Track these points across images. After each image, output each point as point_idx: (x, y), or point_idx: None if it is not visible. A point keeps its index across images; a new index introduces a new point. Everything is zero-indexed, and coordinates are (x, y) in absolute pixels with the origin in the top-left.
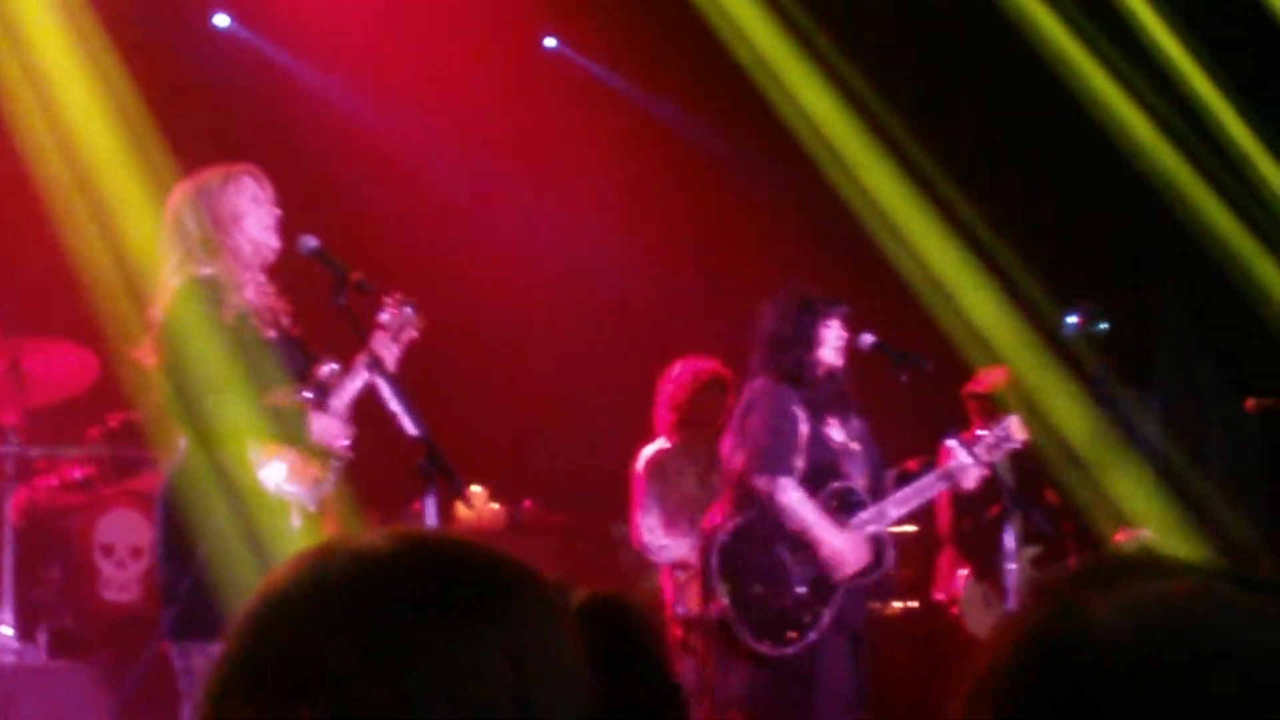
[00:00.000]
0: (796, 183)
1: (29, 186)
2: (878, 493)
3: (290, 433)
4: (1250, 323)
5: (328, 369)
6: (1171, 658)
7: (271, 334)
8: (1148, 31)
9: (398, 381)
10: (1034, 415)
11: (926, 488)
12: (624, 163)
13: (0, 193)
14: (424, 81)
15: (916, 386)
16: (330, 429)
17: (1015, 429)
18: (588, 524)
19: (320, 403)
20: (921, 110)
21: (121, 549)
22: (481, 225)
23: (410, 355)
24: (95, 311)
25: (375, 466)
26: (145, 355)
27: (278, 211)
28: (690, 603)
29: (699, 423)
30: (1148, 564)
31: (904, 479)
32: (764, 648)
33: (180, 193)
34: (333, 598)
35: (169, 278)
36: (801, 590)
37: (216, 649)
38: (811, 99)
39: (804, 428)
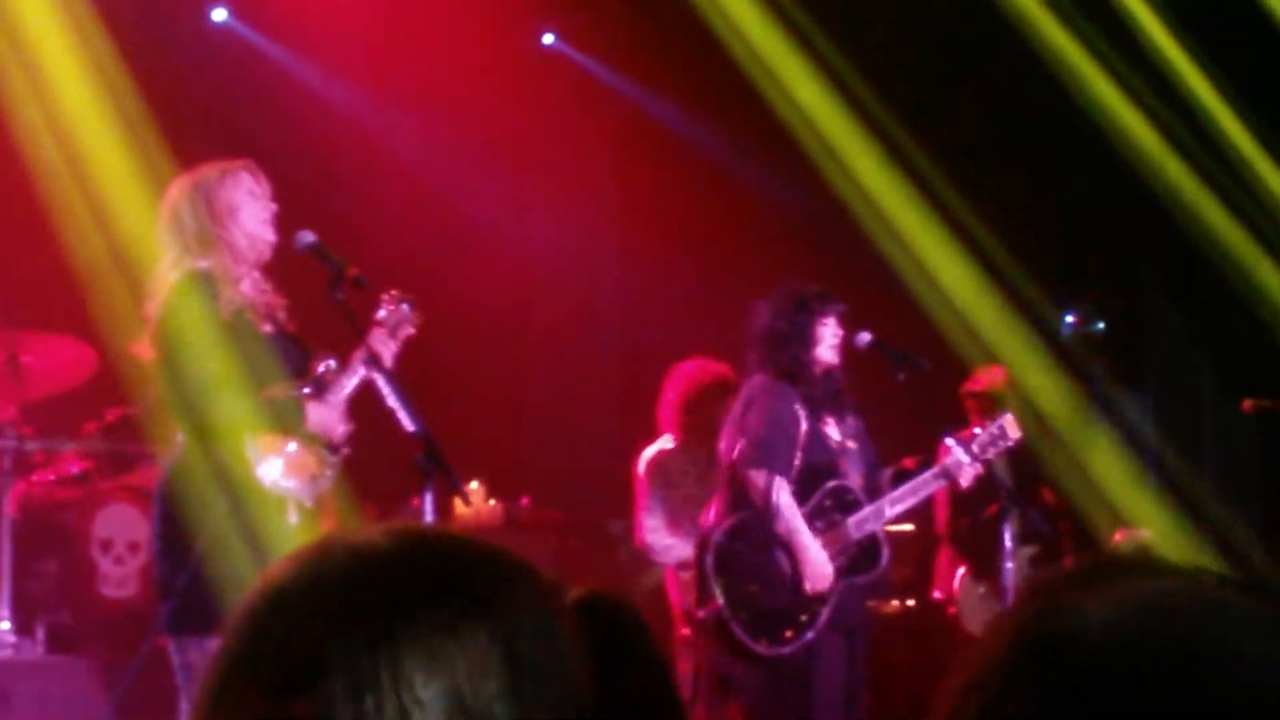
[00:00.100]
0: (794, 181)
1: (26, 181)
2: (874, 491)
3: (287, 423)
4: (1246, 324)
5: (325, 365)
6: (1161, 658)
7: (268, 329)
8: (1144, 31)
9: (395, 378)
10: (1030, 414)
11: (923, 486)
12: (622, 160)
13: None
14: (421, 77)
15: (913, 385)
16: (327, 419)
17: (1010, 428)
18: (585, 521)
19: (317, 398)
20: (919, 110)
21: (119, 544)
22: (479, 221)
23: (408, 351)
24: (93, 306)
25: (373, 462)
26: (143, 350)
27: (274, 206)
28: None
29: (703, 424)
30: (1139, 564)
31: (901, 478)
32: (760, 647)
33: (177, 187)
34: (331, 593)
35: (166, 272)
36: (798, 590)
37: (214, 644)
38: (809, 97)
39: (804, 426)
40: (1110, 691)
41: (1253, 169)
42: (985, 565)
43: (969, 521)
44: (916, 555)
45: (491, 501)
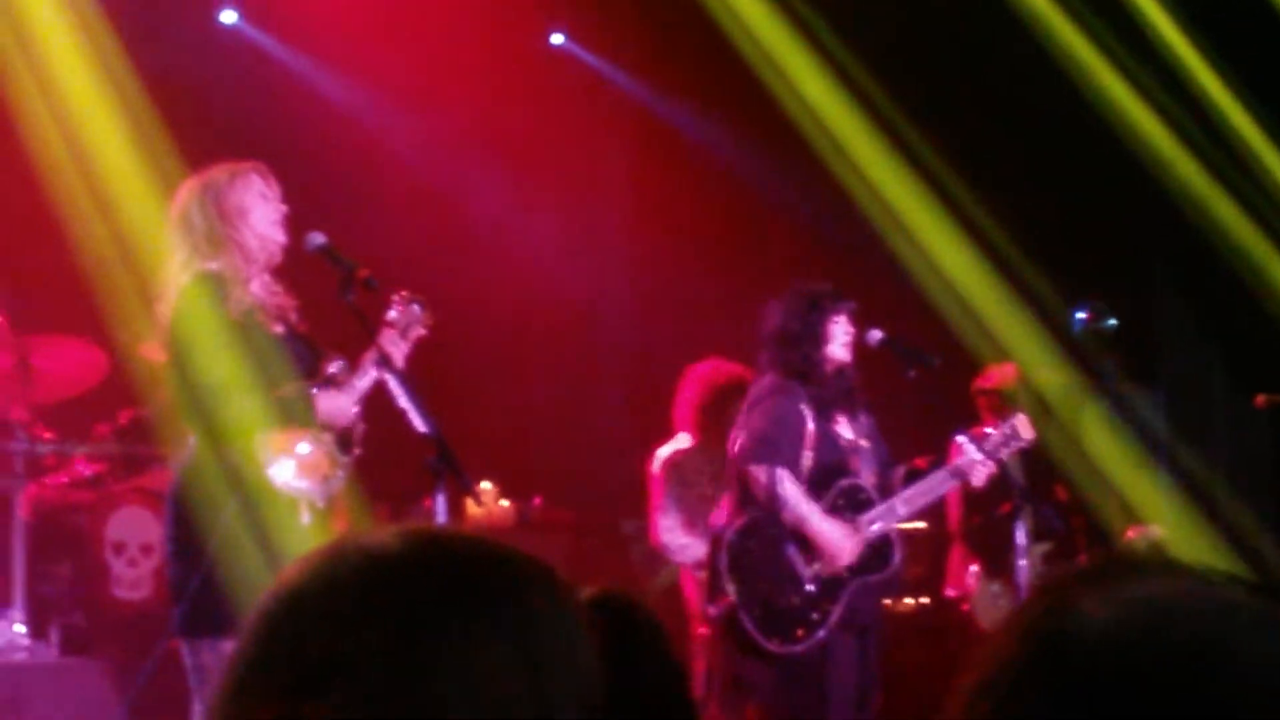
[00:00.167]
0: (804, 179)
1: (36, 185)
2: (886, 490)
3: (297, 419)
4: (1258, 319)
5: (336, 365)
6: (1163, 659)
7: (279, 330)
8: (1154, 27)
9: (407, 378)
10: (1041, 411)
11: (935, 485)
12: (632, 160)
13: (7, 191)
14: (430, 78)
15: (925, 383)
16: (337, 406)
17: (1023, 427)
18: (597, 521)
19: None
20: (929, 108)
21: (132, 546)
22: (489, 221)
23: (419, 352)
24: (103, 308)
25: (384, 463)
26: (153, 352)
27: (284, 208)
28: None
29: (720, 425)
30: (1147, 564)
31: (913, 477)
32: (773, 645)
33: (187, 189)
34: (345, 596)
35: (176, 274)
36: (810, 588)
37: (226, 646)
38: (818, 95)
39: (810, 426)
40: (1113, 692)
41: (1263, 164)
42: (998, 563)
43: (982, 519)
44: (929, 553)
45: (504, 502)
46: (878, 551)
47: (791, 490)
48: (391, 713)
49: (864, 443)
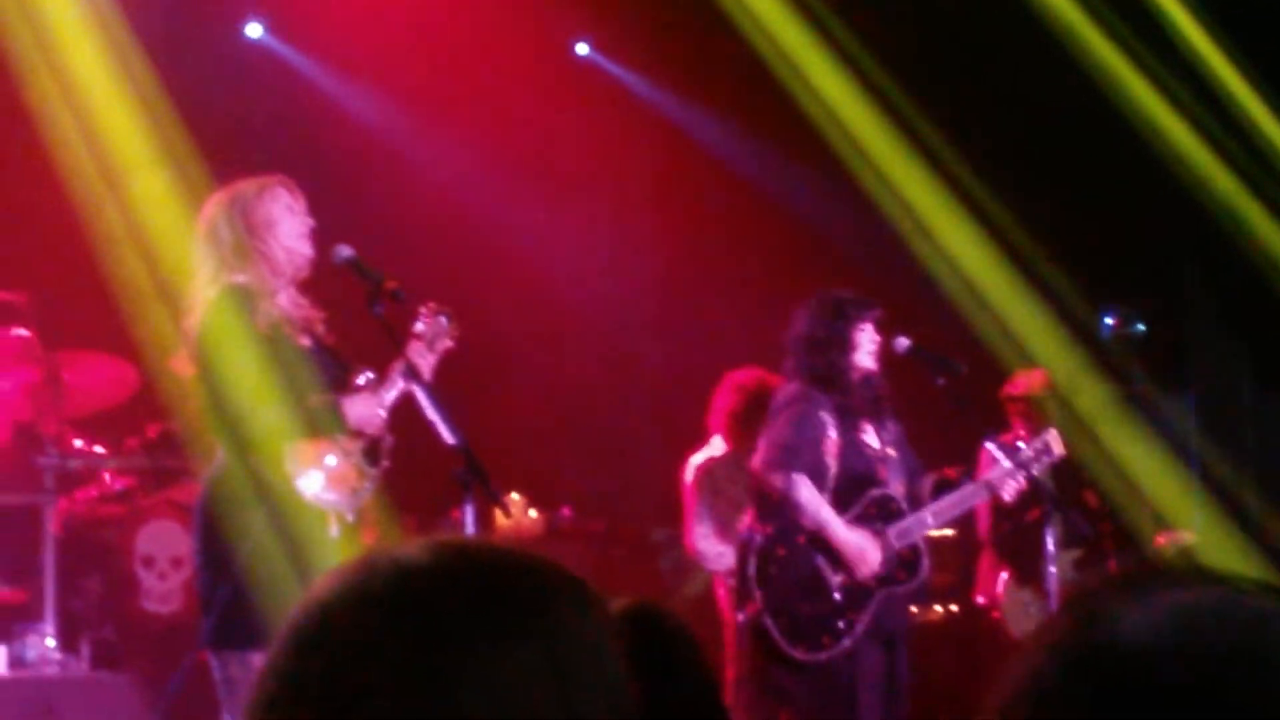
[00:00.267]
0: (831, 188)
1: (65, 200)
2: (914, 499)
3: (327, 427)
4: None
5: (364, 378)
6: (1199, 667)
7: (306, 342)
8: (1180, 31)
9: (435, 390)
10: (1070, 417)
11: (966, 497)
12: (659, 169)
13: (37, 207)
14: (455, 89)
15: (953, 390)
16: (365, 413)
17: (1054, 442)
18: (626, 531)
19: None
20: (955, 115)
21: (162, 560)
22: (516, 232)
23: (447, 363)
24: (132, 323)
25: (413, 475)
26: (181, 365)
27: (311, 221)
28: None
29: (755, 433)
30: (1177, 572)
31: (942, 487)
32: (799, 653)
33: (214, 203)
34: (375, 611)
35: (204, 288)
36: (837, 597)
37: (255, 658)
38: (845, 104)
39: (832, 434)
40: (1148, 702)
41: None
42: (1028, 570)
43: (1011, 526)
44: (959, 561)
45: (532, 512)
46: (906, 561)
47: (809, 496)
48: None
49: (891, 451)
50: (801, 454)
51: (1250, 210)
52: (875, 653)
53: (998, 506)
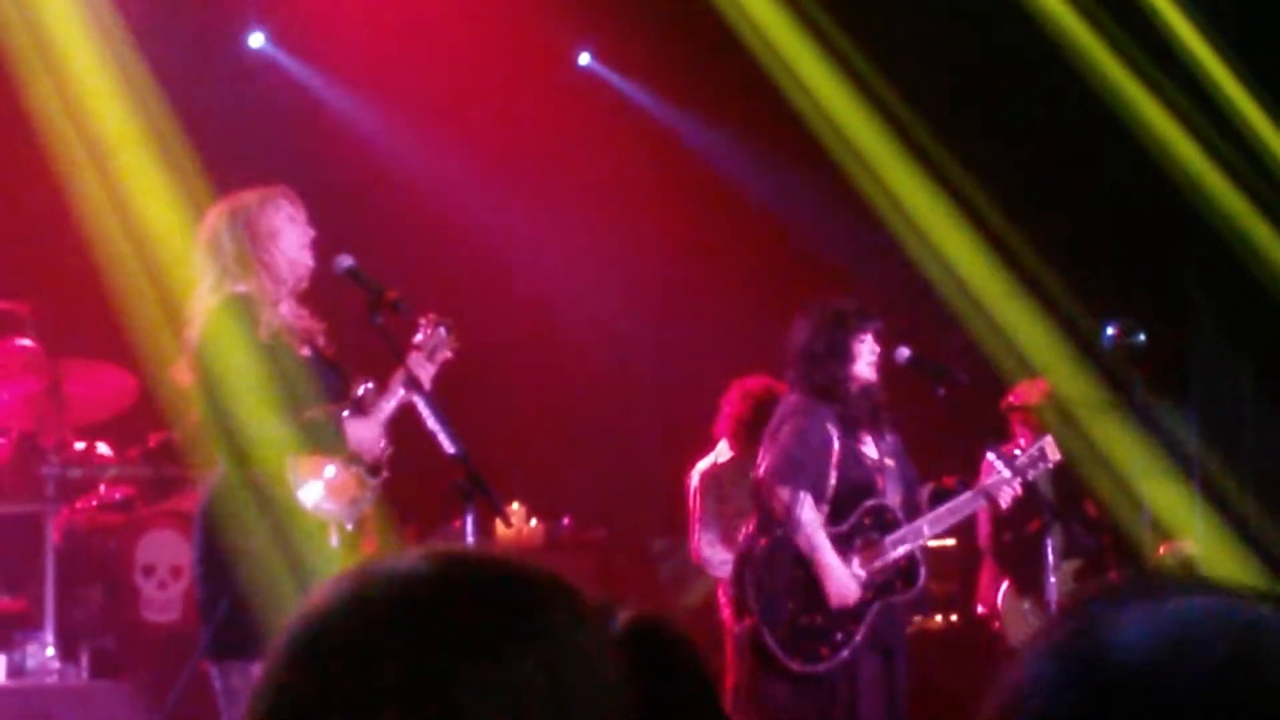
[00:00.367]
0: (832, 198)
1: (67, 211)
2: (912, 509)
3: (326, 445)
4: None
5: (364, 388)
6: (1195, 676)
7: (306, 353)
8: (1186, 44)
9: (435, 400)
10: (1071, 427)
11: (962, 506)
12: (659, 179)
13: (39, 217)
14: (457, 100)
15: (955, 400)
16: (366, 436)
17: (1050, 448)
18: (626, 541)
19: (357, 418)
20: (957, 126)
21: (162, 569)
22: (516, 241)
23: (448, 373)
24: (133, 333)
25: (413, 484)
26: (181, 374)
27: (312, 232)
28: None
29: (759, 440)
30: (1172, 581)
31: (940, 496)
32: (795, 664)
33: (216, 213)
34: (374, 622)
35: (205, 297)
36: (834, 607)
37: (256, 669)
38: (846, 115)
39: (836, 446)
40: (1141, 709)
41: None
42: (1029, 580)
43: (1012, 536)
44: (959, 570)
45: (533, 522)
46: (904, 571)
47: (809, 517)
48: None
49: (889, 461)
50: (806, 466)
51: (1252, 220)
52: (874, 663)
53: (998, 516)
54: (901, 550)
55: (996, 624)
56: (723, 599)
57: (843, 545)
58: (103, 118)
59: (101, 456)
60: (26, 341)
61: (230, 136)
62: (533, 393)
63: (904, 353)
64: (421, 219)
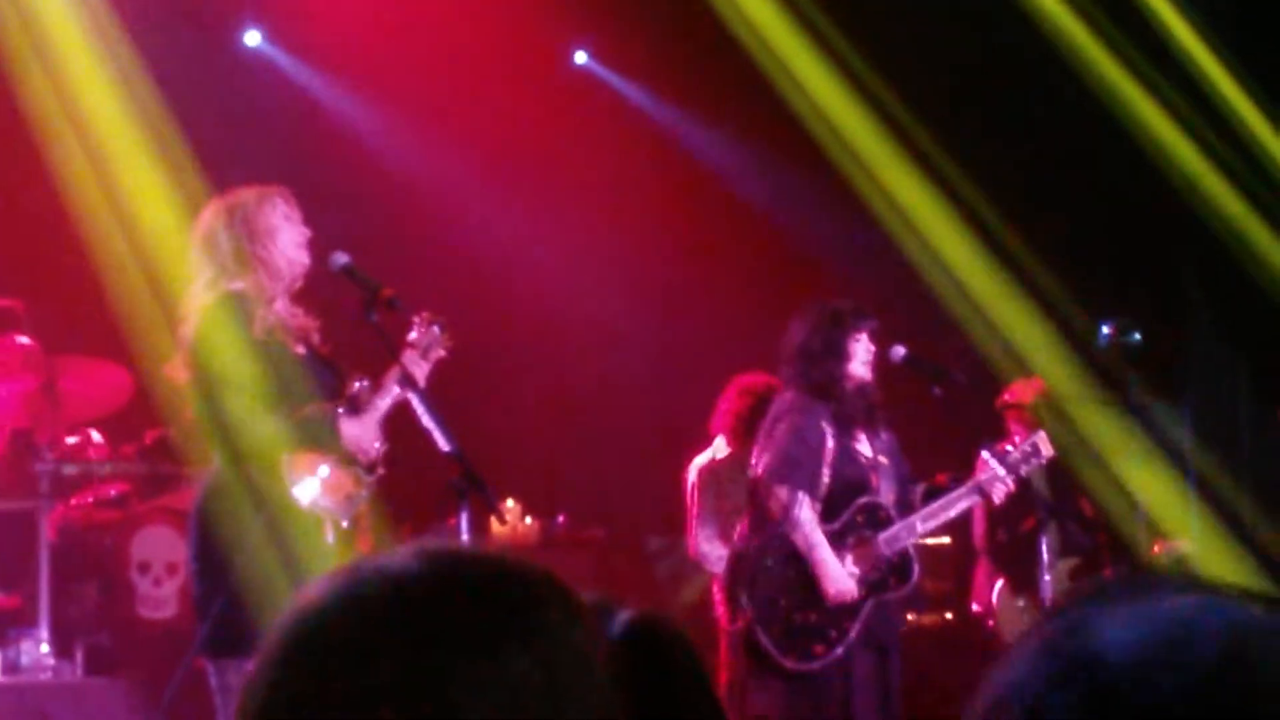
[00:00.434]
0: (829, 198)
1: (63, 208)
2: (905, 507)
3: (321, 442)
4: None
5: (359, 385)
6: (1185, 676)
7: (301, 351)
8: (1184, 45)
9: (430, 397)
10: (1067, 426)
11: (955, 502)
12: (655, 178)
13: (35, 215)
14: (453, 98)
15: (951, 399)
16: (362, 435)
17: (1043, 445)
18: (622, 538)
19: (352, 416)
20: (954, 127)
21: (157, 566)
22: (512, 240)
23: (443, 371)
24: (129, 330)
25: (409, 482)
26: (176, 371)
27: (309, 231)
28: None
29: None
30: (1163, 579)
31: (933, 493)
32: (789, 662)
33: (213, 210)
34: (365, 621)
35: (200, 294)
36: (828, 605)
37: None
38: (843, 115)
39: (831, 444)
40: (1131, 709)
41: None
42: (1024, 578)
43: (1007, 534)
44: (954, 568)
45: (528, 520)
46: (897, 569)
47: (807, 516)
48: None
49: (883, 459)
50: (803, 465)
51: (1249, 220)
52: (868, 660)
53: (993, 514)
54: (895, 547)
55: (991, 622)
56: (716, 597)
57: (836, 543)
58: (99, 116)
59: (98, 448)
60: (23, 338)
61: (226, 134)
62: (528, 390)
63: (899, 352)
64: (417, 217)
